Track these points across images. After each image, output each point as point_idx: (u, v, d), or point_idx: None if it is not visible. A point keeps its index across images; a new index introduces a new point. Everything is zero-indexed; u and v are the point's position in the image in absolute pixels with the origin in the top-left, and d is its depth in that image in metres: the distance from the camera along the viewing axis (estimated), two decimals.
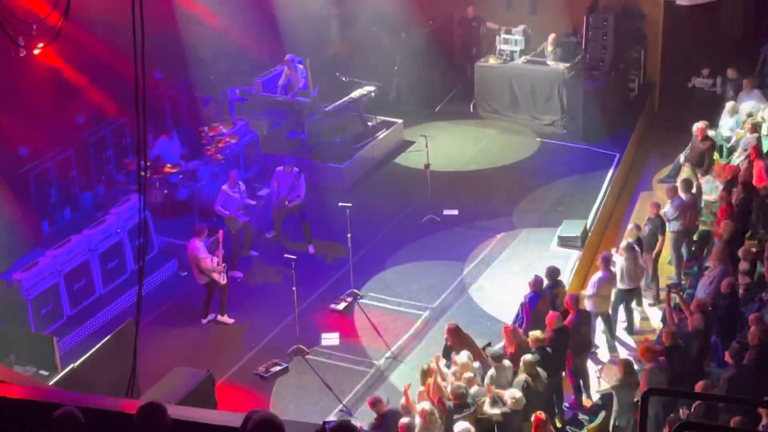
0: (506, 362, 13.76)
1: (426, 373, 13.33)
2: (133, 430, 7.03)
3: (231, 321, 16.95)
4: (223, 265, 16.62)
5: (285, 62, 21.95)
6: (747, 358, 12.92)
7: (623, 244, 16.23)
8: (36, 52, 13.04)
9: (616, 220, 19.59)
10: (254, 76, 22.34)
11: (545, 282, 15.35)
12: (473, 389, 13.11)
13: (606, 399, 14.01)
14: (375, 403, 12.84)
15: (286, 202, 18.65)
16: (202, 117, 21.43)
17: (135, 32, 8.61)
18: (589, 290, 15.65)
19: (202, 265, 16.40)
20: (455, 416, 12.60)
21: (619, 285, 15.98)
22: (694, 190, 17.59)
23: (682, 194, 17.21)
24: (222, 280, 16.61)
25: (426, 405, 12.43)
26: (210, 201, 18.67)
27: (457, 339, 14.20)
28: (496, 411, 12.81)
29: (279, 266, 17.43)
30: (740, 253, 15.48)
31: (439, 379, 13.12)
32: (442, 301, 17.33)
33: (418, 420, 12.27)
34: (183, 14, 20.62)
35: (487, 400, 12.88)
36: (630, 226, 16.85)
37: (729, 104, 20.25)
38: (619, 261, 15.96)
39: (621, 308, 16.26)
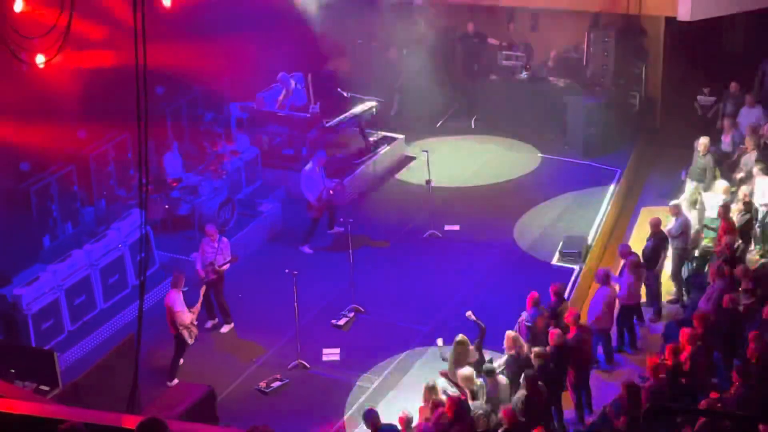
0: (501, 377, 13.79)
1: (431, 390, 13.35)
2: None
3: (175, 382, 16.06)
4: (195, 324, 15.92)
5: (278, 80, 21.97)
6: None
7: (629, 260, 16.19)
8: (40, 66, 13.03)
9: (617, 235, 19.56)
10: (255, 91, 22.36)
11: (551, 299, 15.40)
12: (476, 402, 13.17)
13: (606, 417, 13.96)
14: (370, 418, 12.87)
15: (330, 192, 19.22)
16: (203, 132, 21.46)
17: (137, 47, 8.64)
18: (595, 310, 15.59)
19: (177, 319, 15.62)
20: (453, 429, 12.62)
21: (623, 302, 15.98)
22: (698, 207, 17.60)
23: (685, 211, 17.22)
24: (190, 340, 15.85)
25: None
26: (211, 216, 18.71)
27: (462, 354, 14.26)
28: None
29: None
30: (739, 272, 15.45)
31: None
32: (442, 316, 17.30)
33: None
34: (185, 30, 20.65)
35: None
36: (621, 248, 16.69)
37: (728, 120, 20.26)
38: (624, 278, 15.96)
39: (622, 325, 16.25)
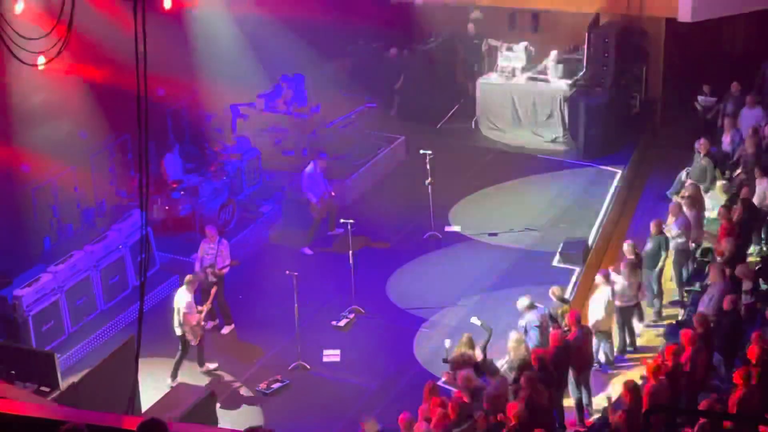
0: (502, 378, 13.78)
1: (432, 390, 13.34)
2: None
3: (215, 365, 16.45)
4: (202, 324, 16.05)
5: (279, 81, 21.96)
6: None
7: (625, 262, 16.20)
8: (40, 67, 13.03)
9: (617, 237, 19.53)
10: (256, 92, 22.36)
11: (553, 299, 15.42)
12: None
13: (607, 417, 13.96)
14: (367, 425, 12.87)
15: (332, 194, 19.32)
16: (204, 133, 21.45)
17: (138, 48, 8.64)
18: (595, 312, 15.58)
19: (185, 319, 15.73)
20: (454, 430, 12.61)
21: (619, 302, 15.97)
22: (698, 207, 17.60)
23: (686, 211, 17.21)
24: (194, 342, 15.90)
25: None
26: (211, 218, 18.71)
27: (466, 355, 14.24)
28: None
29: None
30: (740, 273, 15.44)
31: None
32: (442, 318, 17.30)
33: None
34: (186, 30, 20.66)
35: None
36: (626, 245, 16.68)
37: (729, 120, 20.25)
38: (620, 279, 15.95)
39: (622, 325, 16.25)
